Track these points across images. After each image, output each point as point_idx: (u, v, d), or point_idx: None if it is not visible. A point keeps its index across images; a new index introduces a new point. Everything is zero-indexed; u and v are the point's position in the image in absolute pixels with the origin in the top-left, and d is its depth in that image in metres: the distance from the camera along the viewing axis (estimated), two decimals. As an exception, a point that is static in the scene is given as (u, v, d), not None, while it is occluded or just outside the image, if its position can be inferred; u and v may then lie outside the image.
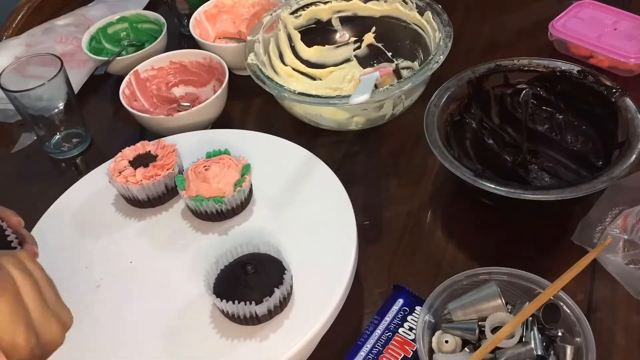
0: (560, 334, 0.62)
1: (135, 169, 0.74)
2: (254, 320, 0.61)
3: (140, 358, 0.62)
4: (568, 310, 0.62)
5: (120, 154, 0.77)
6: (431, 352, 0.63)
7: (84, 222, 0.76)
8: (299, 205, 0.73)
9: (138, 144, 0.78)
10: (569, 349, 0.60)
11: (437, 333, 0.64)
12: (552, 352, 0.61)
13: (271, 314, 0.62)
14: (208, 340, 0.62)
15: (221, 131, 0.88)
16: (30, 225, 0.75)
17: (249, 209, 0.74)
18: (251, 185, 0.74)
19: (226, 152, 0.74)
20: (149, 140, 0.79)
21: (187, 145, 0.81)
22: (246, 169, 0.72)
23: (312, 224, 0.71)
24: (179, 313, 0.65)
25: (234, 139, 0.82)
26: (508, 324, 0.59)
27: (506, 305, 0.64)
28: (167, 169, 0.74)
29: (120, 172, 0.74)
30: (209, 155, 0.74)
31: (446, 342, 0.62)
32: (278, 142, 0.81)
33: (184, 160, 0.78)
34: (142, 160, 0.75)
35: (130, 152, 0.77)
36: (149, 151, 0.77)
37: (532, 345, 0.60)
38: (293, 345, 0.60)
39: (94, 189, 0.79)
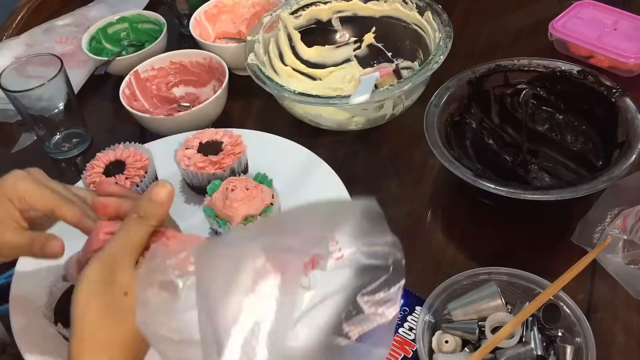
0: (560, 334, 0.62)
1: (196, 153, 0.75)
2: None
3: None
4: (568, 311, 0.62)
5: (201, 132, 0.78)
6: (431, 352, 0.63)
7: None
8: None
9: (221, 130, 0.78)
10: (569, 349, 0.61)
11: (437, 333, 0.64)
12: (552, 352, 0.61)
13: None
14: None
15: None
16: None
17: None
18: None
19: (269, 183, 0.72)
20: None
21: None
22: (266, 210, 0.69)
23: None
24: None
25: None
26: (508, 324, 0.60)
27: (506, 305, 0.64)
28: (217, 168, 0.74)
29: (186, 149, 0.76)
30: (256, 177, 0.72)
31: (446, 342, 0.63)
32: (280, 141, 0.81)
33: None
34: (208, 149, 0.76)
35: (209, 134, 0.77)
36: (222, 142, 0.77)
37: (532, 345, 0.60)
38: None
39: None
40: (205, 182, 0.74)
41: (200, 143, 0.76)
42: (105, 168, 0.75)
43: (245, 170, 0.78)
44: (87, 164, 0.76)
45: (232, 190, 0.69)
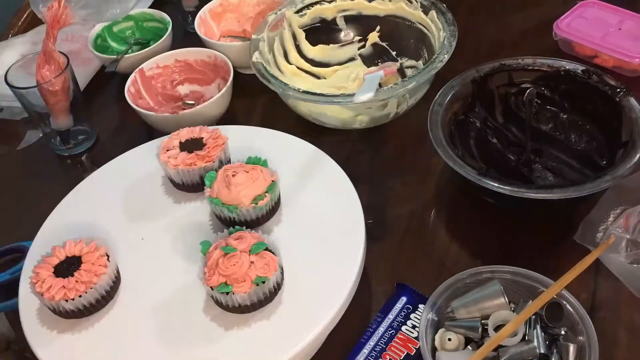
0: (563, 332, 0.62)
1: (180, 152, 0.75)
2: (241, 308, 0.62)
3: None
4: (571, 309, 0.62)
5: (176, 132, 0.77)
6: (434, 350, 0.63)
7: (96, 213, 0.76)
8: (308, 202, 0.74)
9: (197, 128, 0.78)
10: (571, 348, 0.61)
11: (440, 331, 0.64)
12: (555, 351, 0.61)
13: (256, 306, 0.63)
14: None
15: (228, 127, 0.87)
16: (39, 221, 0.75)
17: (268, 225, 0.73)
18: (277, 202, 0.73)
19: (264, 163, 0.72)
20: (158, 137, 0.81)
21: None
22: (271, 187, 0.70)
23: (321, 221, 0.71)
24: (173, 301, 0.66)
25: (245, 136, 0.82)
26: (511, 322, 0.60)
27: (509, 304, 0.64)
28: (207, 161, 0.74)
29: (167, 150, 0.76)
30: (249, 161, 0.73)
31: (449, 340, 0.63)
32: (286, 137, 0.82)
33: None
34: (191, 145, 0.76)
35: (186, 133, 0.77)
36: (202, 138, 0.77)
37: (535, 343, 0.60)
38: (299, 342, 0.61)
39: (105, 183, 0.80)
40: (196, 178, 0.75)
41: (180, 142, 0.76)
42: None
43: (229, 161, 0.78)
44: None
45: (233, 175, 0.70)
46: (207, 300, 0.65)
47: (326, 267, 0.66)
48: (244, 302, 0.62)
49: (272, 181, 0.71)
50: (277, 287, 0.64)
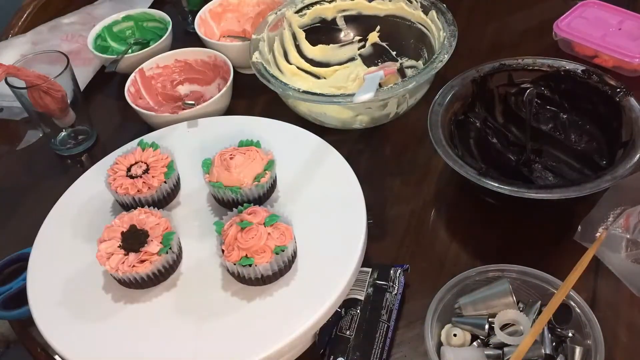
0: (570, 334, 0.62)
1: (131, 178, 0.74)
2: (263, 279, 0.64)
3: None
4: (579, 311, 0.62)
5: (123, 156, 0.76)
6: (439, 344, 0.63)
7: (94, 212, 0.76)
8: (312, 196, 0.75)
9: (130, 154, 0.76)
10: (577, 350, 0.61)
11: (447, 326, 0.64)
12: (560, 352, 0.61)
13: (277, 275, 0.65)
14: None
15: (248, 118, 0.88)
16: (38, 220, 0.76)
17: (268, 203, 0.75)
18: (274, 180, 0.75)
19: (257, 144, 0.75)
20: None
21: (221, 130, 0.84)
22: (269, 165, 0.73)
23: (324, 218, 0.72)
24: (188, 271, 0.68)
25: (256, 127, 0.84)
26: (529, 335, 0.59)
27: (517, 303, 0.64)
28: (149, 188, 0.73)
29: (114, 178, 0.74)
30: (241, 144, 0.75)
31: (454, 335, 0.63)
32: (290, 129, 0.84)
33: (215, 144, 0.78)
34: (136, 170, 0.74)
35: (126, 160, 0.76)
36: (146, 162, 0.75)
37: (541, 344, 0.60)
38: (320, 306, 0.63)
39: (100, 182, 0.79)
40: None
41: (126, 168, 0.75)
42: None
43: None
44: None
45: (231, 158, 0.72)
46: (224, 278, 0.66)
47: (324, 263, 0.67)
48: (266, 273, 0.64)
49: (269, 159, 0.73)
50: (294, 255, 0.67)
